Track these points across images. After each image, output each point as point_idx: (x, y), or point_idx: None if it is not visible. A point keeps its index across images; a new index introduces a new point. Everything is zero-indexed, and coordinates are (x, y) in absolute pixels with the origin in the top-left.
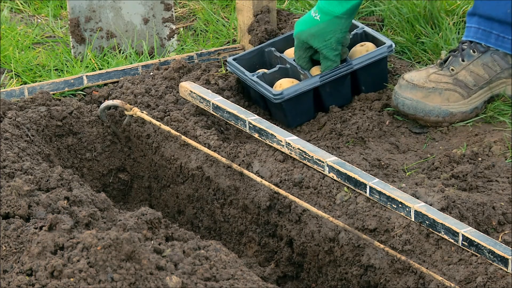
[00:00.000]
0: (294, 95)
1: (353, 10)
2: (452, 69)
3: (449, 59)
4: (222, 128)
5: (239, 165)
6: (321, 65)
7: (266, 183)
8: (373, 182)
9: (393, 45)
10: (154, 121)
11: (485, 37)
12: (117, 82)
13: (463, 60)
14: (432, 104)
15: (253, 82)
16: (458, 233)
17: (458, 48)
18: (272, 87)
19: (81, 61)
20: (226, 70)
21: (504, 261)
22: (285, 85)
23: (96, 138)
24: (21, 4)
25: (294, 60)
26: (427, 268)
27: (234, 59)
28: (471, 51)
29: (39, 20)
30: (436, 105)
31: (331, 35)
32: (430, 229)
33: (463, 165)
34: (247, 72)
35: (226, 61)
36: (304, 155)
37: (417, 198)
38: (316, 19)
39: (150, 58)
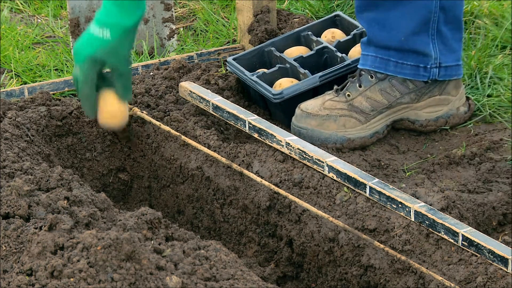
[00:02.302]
0: (293, 94)
1: (140, 19)
2: (348, 95)
3: (347, 85)
4: (222, 128)
5: (239, 165)
6: (116, 84)
7: (266, 183)
8: (373, 182)
9: None
10: (154, 121)
11: (384, 65)
12: None
13: (360, 86)
14: (327, 132)
15: (253, 82)
16: (458, 233)
17: (356, 74)
18: (271, 87)
19: None
20: (226, 70)
21: (504, 261)
22: (284, 85)
23: (96, 138)
24: (21, 4)
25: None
26: (427, 268)
27: (234, 59)
28: (369, 76)
29: (39, 20)
30: (332, 132)
31: (126, 48)
32: (430, 229)
33: (463, 165)
34: (246, 72)
35: (226, 61)
36: (304, 155)
37: (417, 198)
38: (106, 38)
39: (150, 58)
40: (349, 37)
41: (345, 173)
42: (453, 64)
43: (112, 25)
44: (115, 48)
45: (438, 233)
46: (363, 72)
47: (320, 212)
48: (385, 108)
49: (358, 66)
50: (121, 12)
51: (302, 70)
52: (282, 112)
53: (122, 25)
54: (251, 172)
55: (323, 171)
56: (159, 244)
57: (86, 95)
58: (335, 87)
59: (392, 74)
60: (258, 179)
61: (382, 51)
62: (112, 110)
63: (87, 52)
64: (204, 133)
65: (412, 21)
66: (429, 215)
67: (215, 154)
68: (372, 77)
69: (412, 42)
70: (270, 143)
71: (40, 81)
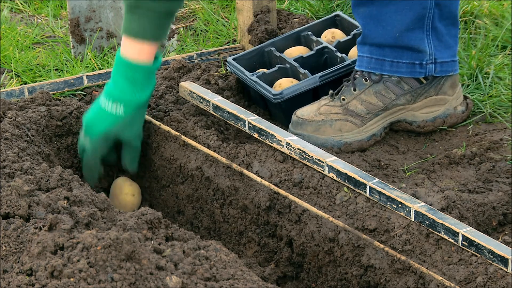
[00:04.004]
0: (293, 95)
1: (151, 94)
2: (343, 99)
3: (342, 89)
4: (222, 128)
5: (239, 165)
6: (125, 156)
7: (266, 183)
8: (373, 182)
9: None
10: (154, 121)
11: (379, 66)
12: None
13: (354, 90)
14: (324, 137)
15: (253, 82)
16: (458, 233)
17: (350, 77)
18: (271, 87)
19: (81, 61)
20: (226, 70)
21: (504, 261)
22: (284, 85)
23: None
24: (21, 4)
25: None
26: (427, 268)
27: (234, 59)
28: (363, 79)
29: (39, 20)
30: (328, 137)
31: (139, 124)
32: (430, 229)
33: (463, 165)
34: (246, 72)
35: (226, 61)
36: (304, 155)
37: (417, 198)
38: (120, 114)
39: None
40: (349, 37)
41: (345, 173)
42: (449, 60)
43: (126, 101)
44: (129, 124)
45: (438, 233)
46: (357, 76)
47: (320, 212)
48: (381, 110)
49: (355, 67)
50: (134, 89)
51: (302, 70)
52: (282, 112)
53: (136, 102)
54: (251, 172)
55: (323, 171)
56: (159, 244)
57: (91, 167)
58: (330, 92)
59: (389, 74)
60: (258, 179)
61: (377, 51)
62: (124, 199)
63: (100, 128)
64: (204, 133)
65: (407, 17)
66: (429, 215)
67: (215, 154)
68: (366, 80)
69: (407, 38)
70: (270, 143)
71: (40, 81)
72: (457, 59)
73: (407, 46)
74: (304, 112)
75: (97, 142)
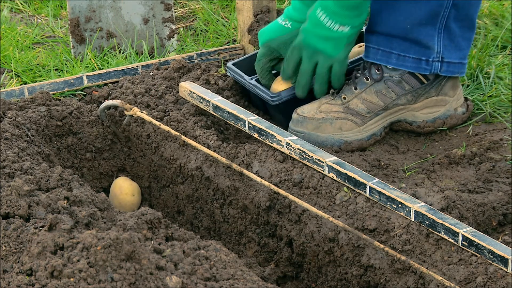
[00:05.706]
0: (292, 96)
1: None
2: (344, 97)
3: (343, 87)
4: (221, 128)
5: (239, 165)
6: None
7: (266, 183)
8: (373, 182)
9: None
10: (154, 121)
11: (386, 58)
12: (117, 82)
13: (355, 88)
14: (324, 135)
15: (252, 86)
16: (458, 233)
17: (352, 76)
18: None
19: (81, 61)
20: (226, 70)
21: (504, 261)
22: (283, 87)
23: (96, 138)
24: (21, 4)
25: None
26: (427, 268)
27: (233, 64)
28: (364, 78)
29: (39, 20)
30: (328, 135)
31: None
32: (430, 229)
33: (463, 165)
34: (245, 76)
35: (226, 62)
36: (304, 155)
37: (417, 198)
38: (287, 27)
39: (150, 58)
40: None
41: (345, 173)
42: (457, 61)
43: (293, 18)
44: (292, 39)
45: (438, 233)
46: (358, 74)
47: (320, 212)
48: (382, 110)
49: (362, 56)
50: (304, 6)
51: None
52: (281, 114)
53: (303, 19)
54: (251, 172)
55: (323, 171)
56: (159, 244)
57: (258, 73)
58: (331, 90)
59: (395, 67)
60: (258, 179)
61: (384, 42)
62: (124, 199)
63: (264, 38)
64: (204, 133)
65: (421, 11)
66: (429, 215)
67: (215, 154)
68: (367, 79)
69: (417, 32)
70: (270, 143)
71: (40, 81)
72: (466, 62)
73: (416, 40)
74: (305, 110)
75: (261, 51)
